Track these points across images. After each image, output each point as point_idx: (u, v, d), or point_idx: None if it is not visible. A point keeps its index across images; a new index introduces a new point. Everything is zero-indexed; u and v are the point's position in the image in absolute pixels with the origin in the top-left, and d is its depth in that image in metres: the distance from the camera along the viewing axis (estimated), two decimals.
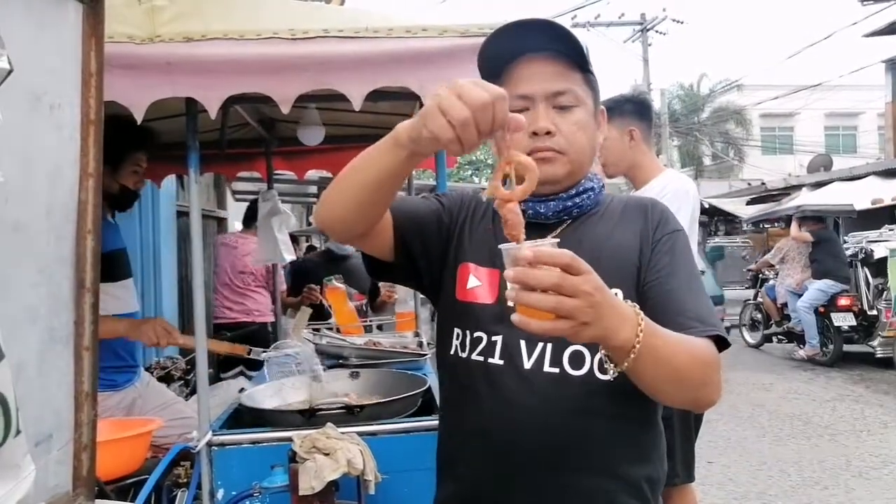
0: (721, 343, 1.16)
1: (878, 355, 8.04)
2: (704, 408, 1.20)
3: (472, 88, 0.97)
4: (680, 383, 1.09)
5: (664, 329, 1.06)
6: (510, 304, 0.95)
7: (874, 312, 8.40)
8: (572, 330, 0.91)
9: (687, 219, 2.63)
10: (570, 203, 1.30)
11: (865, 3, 15.43)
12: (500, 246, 1.00)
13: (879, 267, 8.49)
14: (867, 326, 8.48)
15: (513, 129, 1.01)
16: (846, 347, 8.62)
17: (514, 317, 0.93)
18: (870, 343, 8.37)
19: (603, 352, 1.05)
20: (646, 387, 1.08)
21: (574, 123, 1.25)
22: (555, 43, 1.23)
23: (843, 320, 8.46)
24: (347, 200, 1.18)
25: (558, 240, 1.01)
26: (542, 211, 1.29)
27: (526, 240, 0.98)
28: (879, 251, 8.53)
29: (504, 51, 1.26)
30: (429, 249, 1.35)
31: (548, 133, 1.23)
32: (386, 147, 1.10)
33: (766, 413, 6.49)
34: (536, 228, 1.29)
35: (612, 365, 1.04)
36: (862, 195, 11.58)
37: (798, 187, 14.90)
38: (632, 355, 0.98)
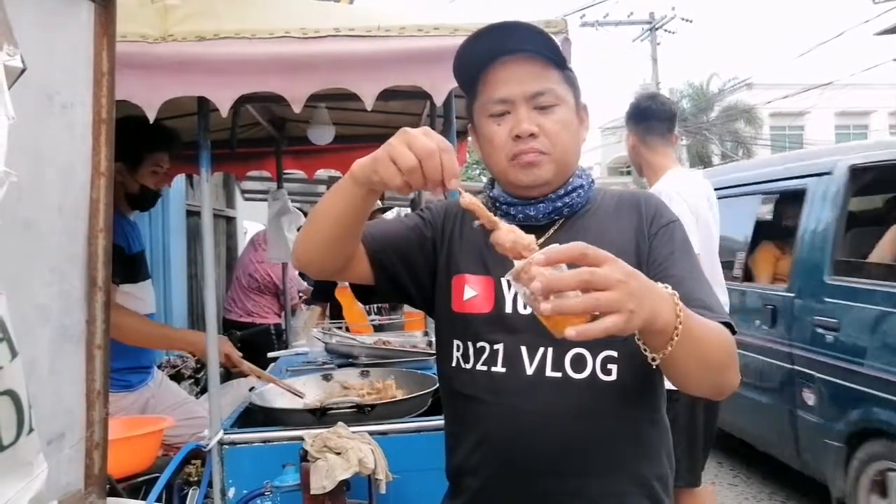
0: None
1: None
2: (727, 393, 1.15)
3: (420, 138, 1.02)
4: (709, 367, 1.07)
5: (692, 310, 1.02)
6: (542, 317, 0.89)
7: None
8: (624, 322, 0.85)
9: (686, 216, 2.57)
10: (559, 203, 1.28)
11: (877, 1, 15.33)
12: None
13: None
14: None
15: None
16: None
17: (570, 331, 0.85)
18: None
19: (639, 340, 1.00)
20: (678, 372, 1.06)
21: (556, 122, 1.24)
22: (529, 43, 1.22)
23: None
24: (317, 241, 1.22)
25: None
26: (532, 213, 1.28)
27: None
28: None
29: (478, 55, 1.25)
30: (413, 267, 1.34)
31: (531, 135, 1.22)
32: (346, 186, 1.14)
33: None
34: (527, 232, 1.29)
35: (650, 353, 0.99)
36: None
37: None
38: (675, 338, 0.94)
